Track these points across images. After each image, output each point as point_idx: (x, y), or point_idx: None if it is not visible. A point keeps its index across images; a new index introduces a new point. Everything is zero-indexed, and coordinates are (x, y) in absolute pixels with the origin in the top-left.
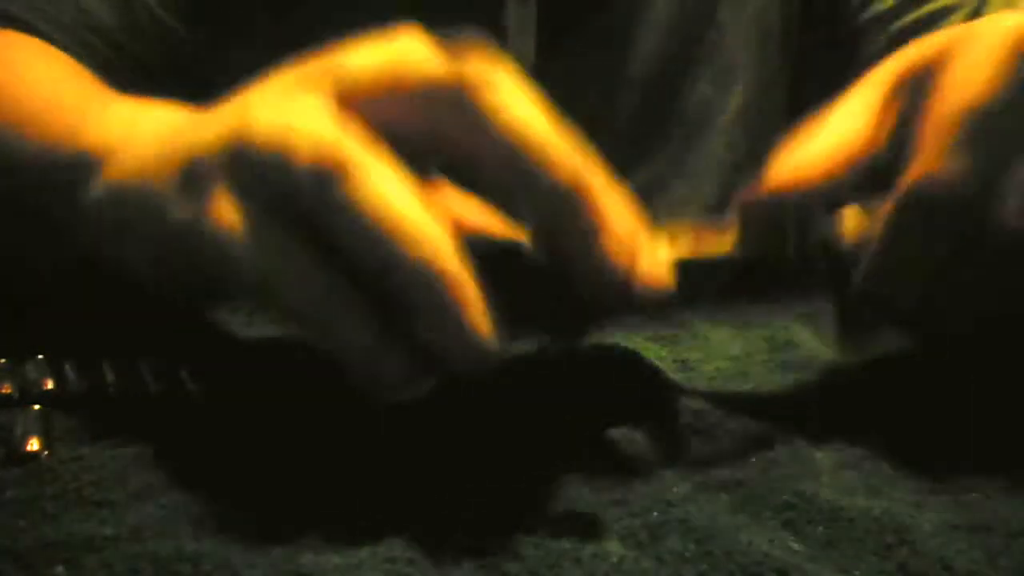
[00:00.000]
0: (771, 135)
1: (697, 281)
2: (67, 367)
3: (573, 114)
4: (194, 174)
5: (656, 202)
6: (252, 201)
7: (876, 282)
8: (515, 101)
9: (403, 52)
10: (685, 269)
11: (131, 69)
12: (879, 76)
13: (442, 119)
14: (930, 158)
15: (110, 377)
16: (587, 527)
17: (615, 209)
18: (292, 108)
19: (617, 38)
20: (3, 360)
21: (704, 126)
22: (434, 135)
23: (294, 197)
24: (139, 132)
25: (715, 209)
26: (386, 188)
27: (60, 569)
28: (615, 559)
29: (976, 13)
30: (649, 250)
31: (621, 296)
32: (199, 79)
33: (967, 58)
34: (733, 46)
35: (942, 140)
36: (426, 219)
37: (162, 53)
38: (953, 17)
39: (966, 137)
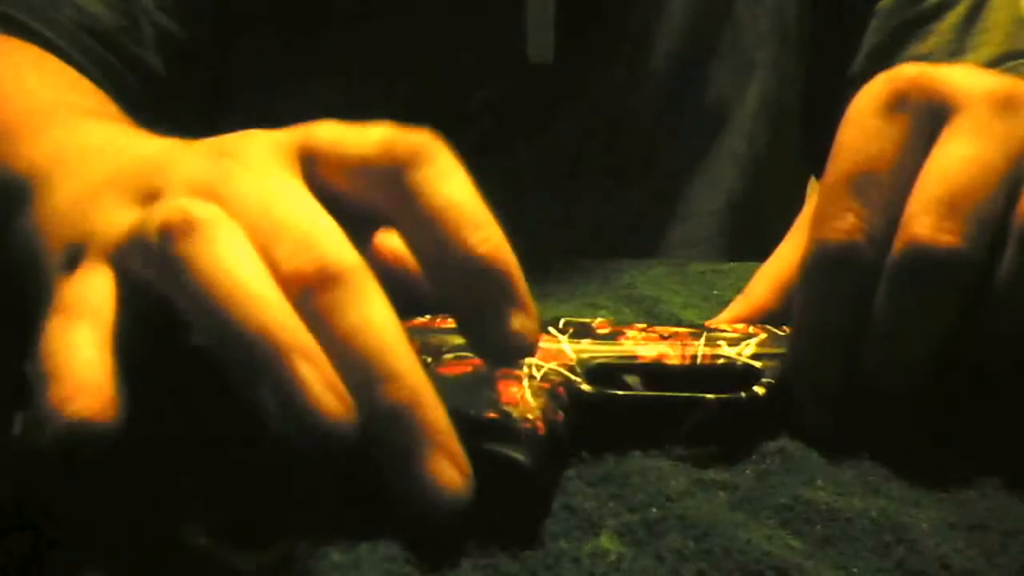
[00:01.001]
0: (789, 127)
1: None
2: None
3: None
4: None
5: (677, 196)
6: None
7: (888, 349)
8: (446, 178)
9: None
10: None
11: (133, 71)
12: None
13: (377, 194)
14: (924, 222)
15: None
16: (585, 525)
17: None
18: (270, 185)
19: (634, 34)
20: (5, 359)
21: (723, 120)
22: (372, 209)
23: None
24: (65, 165)
25: (735, 203)
26: (229, 252)
27: None
28: (613, 557)
29: (978, 7)
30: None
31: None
32: (202, 81)
33: (956, 127)
34: (751, 41)
35: (934, 205)
36: (266, 287)
37: (164, 56)
38: (956, 9)
39: (958, 202)
